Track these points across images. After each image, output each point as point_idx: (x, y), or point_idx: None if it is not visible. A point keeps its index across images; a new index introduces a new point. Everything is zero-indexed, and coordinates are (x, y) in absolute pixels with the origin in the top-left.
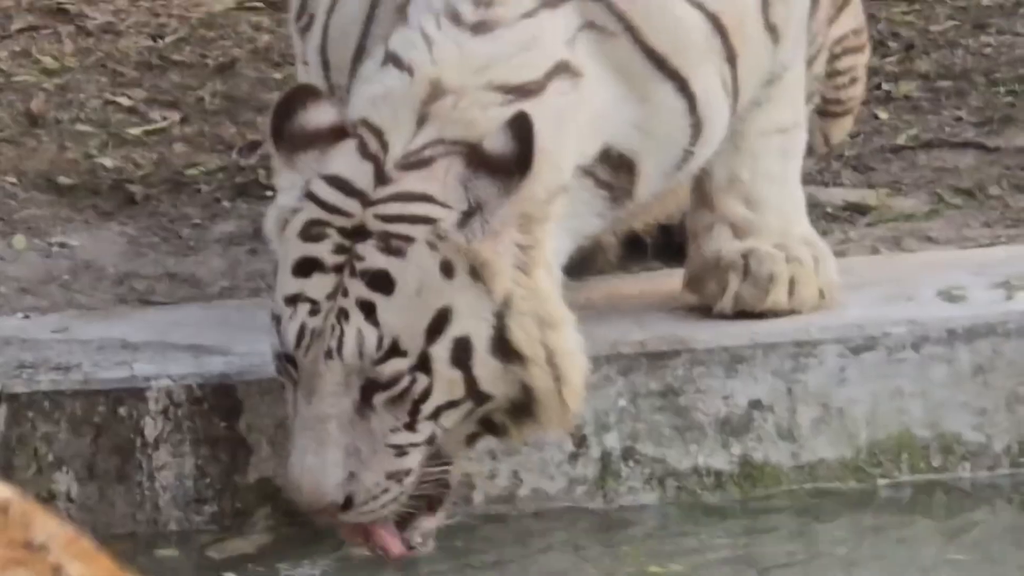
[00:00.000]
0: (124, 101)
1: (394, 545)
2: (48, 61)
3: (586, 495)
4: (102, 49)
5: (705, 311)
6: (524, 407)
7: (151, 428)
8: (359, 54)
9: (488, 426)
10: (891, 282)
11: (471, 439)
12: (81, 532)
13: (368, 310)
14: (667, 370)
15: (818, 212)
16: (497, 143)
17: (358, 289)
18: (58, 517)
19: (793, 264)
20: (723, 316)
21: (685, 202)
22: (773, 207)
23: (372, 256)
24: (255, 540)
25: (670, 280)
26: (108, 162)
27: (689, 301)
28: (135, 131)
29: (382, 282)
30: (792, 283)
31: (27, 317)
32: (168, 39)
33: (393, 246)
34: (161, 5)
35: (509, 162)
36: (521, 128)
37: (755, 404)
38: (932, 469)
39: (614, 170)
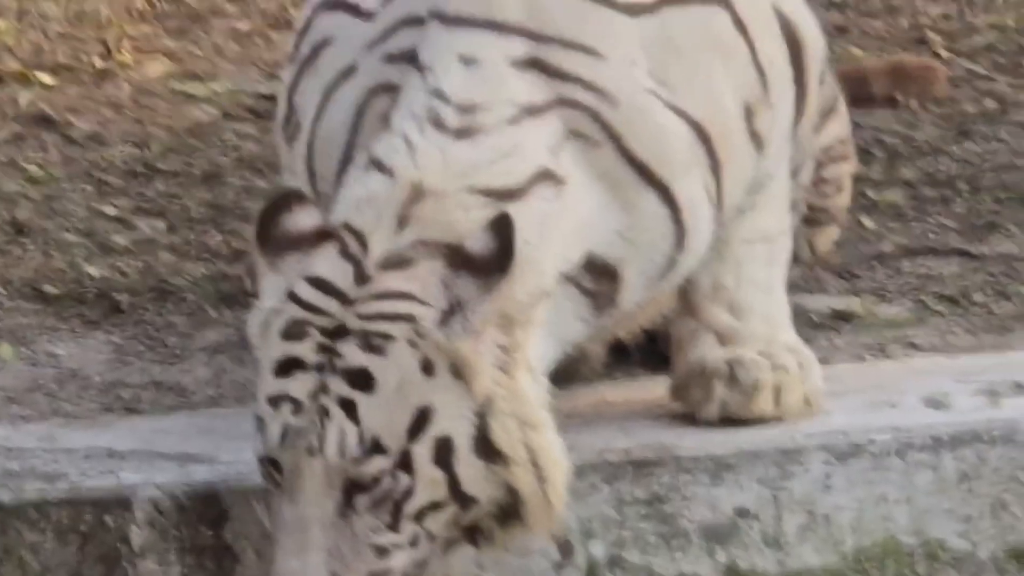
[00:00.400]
0: (110, 210)
1: None
2: (34, 170)
3: None
4: (88, 158)
5: (691, 418)
6: (510, 509)
7: (137, 537)
8: (344, 163)
9: (475, 533)
10: (876, 389)
11: (450, 547)
12: None
13: (349, 408)
14: (653, 478)
15: (803, 319)
16: (478, 243)
17: (339, 387)
18: None
19: (778, 371)
20: (709, 423)
21: (669, 308)
22: (758, 314)
23: (352, 354)
24: None
25: (655, 387)
26: (94, 271)
27: (675, 408)
28: (121, 240)
29: (362, 380)
30: (777, 390)
31: (13, 426)
32: (154, 148)
33: (373, 344)
34: (147, 114)
35: (490, 261)
36: (502, 228)
37: (741, 512)
38: (916, 572)
39: (598, 277)
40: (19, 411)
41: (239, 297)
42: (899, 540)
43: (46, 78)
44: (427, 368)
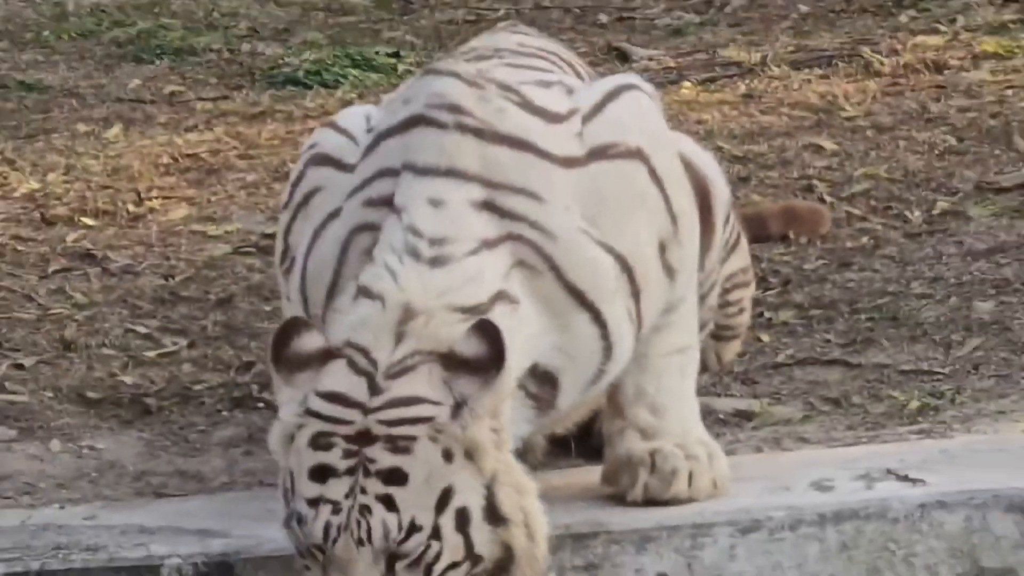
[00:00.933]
0: (141, 329)
1: None
2: (79, 297)
3: None
4: (123, 287)
5: (620, 499)
6: (503, 566)
7: None
8: (332, 291)
9: None
10: (772, 476)
11: None
12: None
13: (388, 502)
14: (588, 549)
15: (712, 418)
16: (469, 347)
17: (375, 487)
18: None
19: (691, 460)
20: (635, 503)
21: (601, 404)
22: (674, 414)
23: (382, 457)
24: None
25: (591, 474)
26: (128, 379)
27: (606, 491)
28: (150, 354)
29: (396, 477)
30: (691, 476)
31: (62, 507)
32: (177, 278)
33: (400, 446)
34: (171, 251)
35: (486, 360)
36: (488, 331)
37: None
38: None
39: (540, 383)
40: (67, 495)
41: (248, 401)
42: None
43: (89, 221)
44: (447, 456)
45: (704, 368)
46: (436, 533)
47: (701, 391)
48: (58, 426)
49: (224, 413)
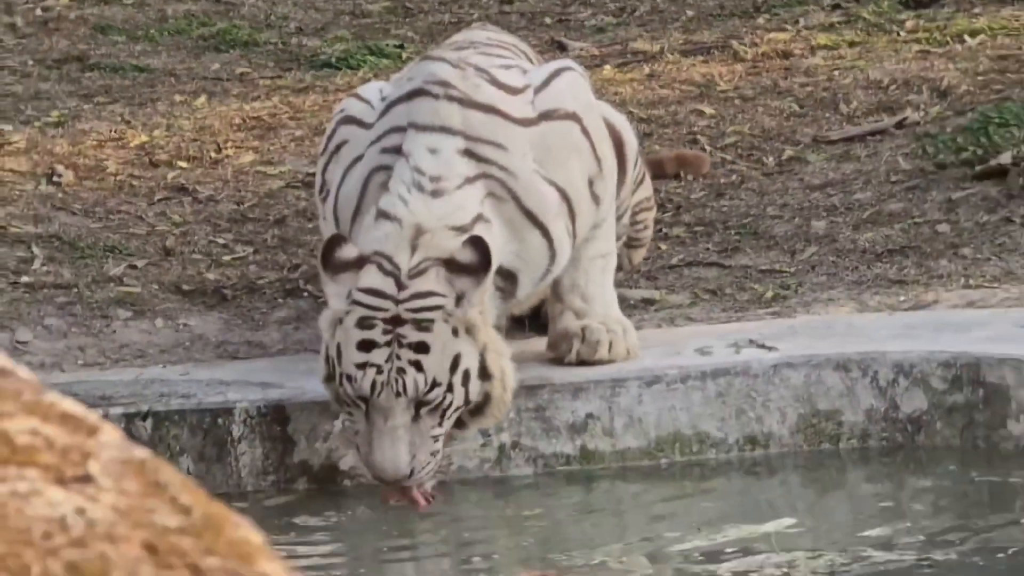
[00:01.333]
0: (220, 241)
1: (422, 500)
2: (176, 217)
3: (490, 469)
4: (207, 211)
5: (559, 362)
6: (481, 408)
7: (236, 431)
8: (356, 214)
9: (459, 422)
10: (668, 345)
11: (454, 429)
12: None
13: (417, 367)
14: (538, 396)
15: (625, 303)
16: (465, 255)
17: (407, 355)
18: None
19: (611, 334)
20: (570, 364)
21: (547, 294)
22: (598, 300)
23: (411, 334)
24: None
25: (539, 344)
26: (211, 276)
27: (550, 356)
28: (227, 258)
29: (422, 348)
30: (611, 345)
31: (164, 367)
32: (246, 204)
33: (423, 325)
34: (241, 185)
35: (477, 265)
36: (479, 244)
37: (590, 415)
38: (692, 453)
39: (504, 280)
40: (167, 358)
41: (296, 291)
42: (682, 432)
43: (183, 164)
44: (455, 332)
45: (620, 268)
46: (450, 387)
47: (618, 284)
48: (161, 309)
49: (279, 300)
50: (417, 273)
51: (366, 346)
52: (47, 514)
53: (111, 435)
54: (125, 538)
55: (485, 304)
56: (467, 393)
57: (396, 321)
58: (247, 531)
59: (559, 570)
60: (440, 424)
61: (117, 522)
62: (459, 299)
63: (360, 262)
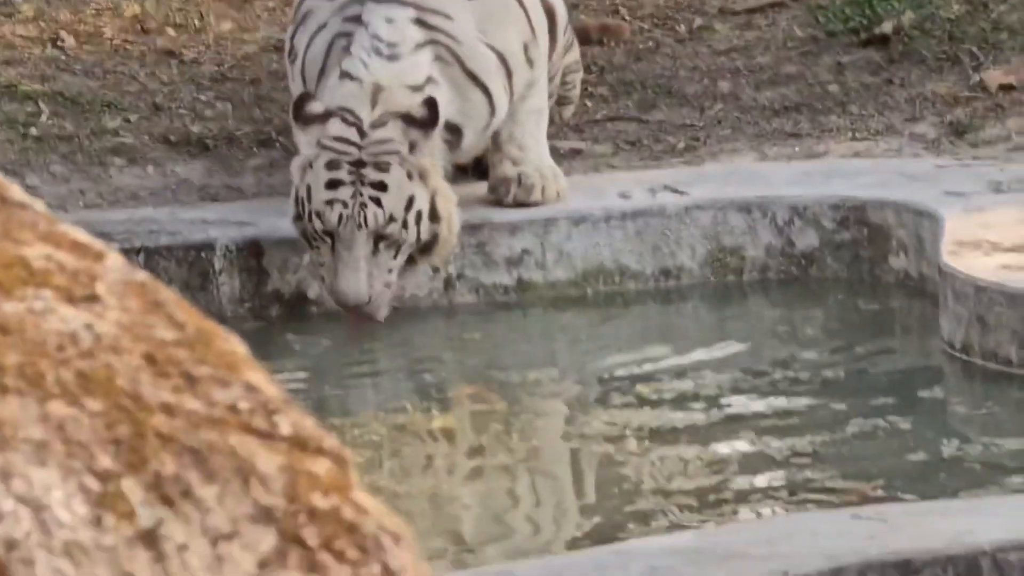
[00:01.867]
0: (203, 97)
1: (379, 319)
2: (164, 78)
3: (438, 298)
4: (192, 71)
5: (498, 203)
6: (429, 247)
7: (217, 263)
8: (320, 74)
9: (409, 259)
10: (593, 189)
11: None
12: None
13: (377, 202)
14: (480, 233)
15: (556, 153)
16: (420, 111)
17: (369, 192)
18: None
19: (543, 179)
20: (508, 206)
21: (487, 145)
22: (532, 150)
23: (372, 174)
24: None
25: (480, 188)
26: (195, 128)
27: (490, 199)
28: (209, 112)
29: (381, 186)
30: (543, 189)
31: (154, 208)
32: (226, 66)
33: (382, 166)
34: (222, 49)
35: (428, 120)
36: (431, 104)
37: (525, 251)
38: (615, 284)
39: (451, 133)
40: (156, 201)
41: (269, 142)
42: (605, 265)
43: (171, 31)
44: (410, 175)
45: (551, 122)
46: (404, 224)
47: (550, 136)
48: (152, 157)
49: (255, 150)
50: (378, 124)
51: (333, 185)
52: (60, 328)
53: (115, 260)
54: (128, 350)
55: (435, 156)
56: (419, 231)
57: (359, 164)
58: (234, 344)
59: (499, 386)
60: (395, 258)
61: (120, 336)
62: (412, 147)
63: (326, 116)
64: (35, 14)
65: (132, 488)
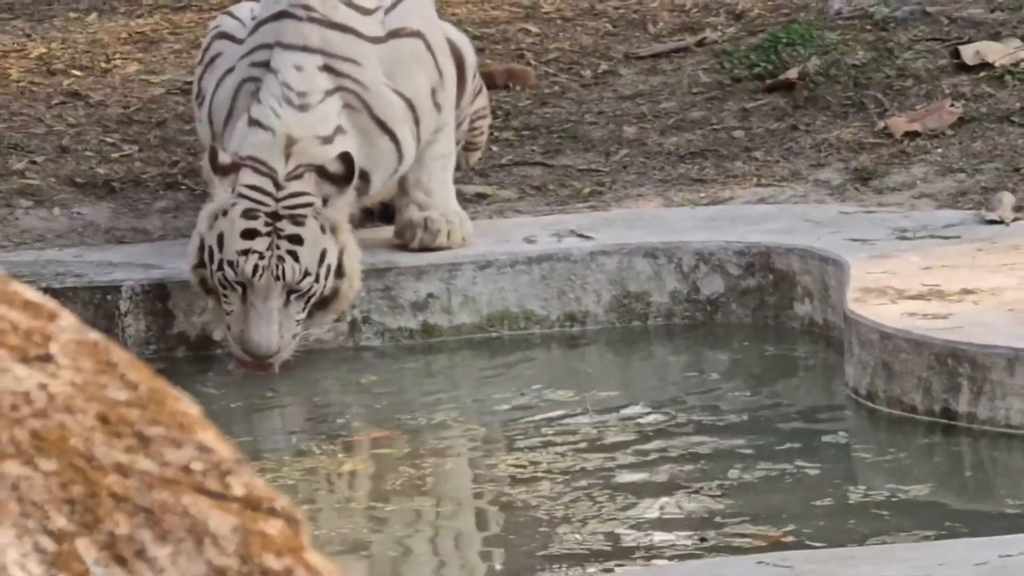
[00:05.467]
0: (109, 140)
1: (276, 370)
2: (70, 120)
3: (344, 341)
4: (98, 114)
5: (404, 248)
6: (327, 302)
7: (123, 305)
8: (228, 118)
9: (311, 313)
10: (498, 232)
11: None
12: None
13: (294, 256)
14: (385, 278)
15: (462, 197)
16: (335, 166)
17: (286, 245)
18: None
19: (449, 224)
20: (414, 251)
21: (394, 190)
22: (439, 195)
23: (288, 227)
24: None
25: (387, 232)
26: (102, 171)
27: (396, 243)
28: (115, 155)
29: (298, 240)
30: (449, 233)
31: (60, 250)
32: (132, 108)
33: (298, 220)
34: (128, 92)
35: (343, 177)
36: (347, 159)
37: (430, 295)
38: (520, 329)
39: (359, 180)
40: (63, 243)
41: (176, 185)
42: (510, 310)
43: (77, 73)
44: (323, 229)
45: (458, 167)
46: (316, 278)
47: (456, 181)
48: (58, 199)
49: (161, 192)
50: (294, 176)
51: (250, 235)
52: (14, 388)
53: (68, 320)
54: (81, 409)
55: (346, 210)
56: (324, 287)
57: (275, 216)
58: (186, 404)
59: (405, 428)
60: (303, 310)
61: (74, 395)
62: (325, 202)
63: (236, 166)
64: None
65: (86, 548)
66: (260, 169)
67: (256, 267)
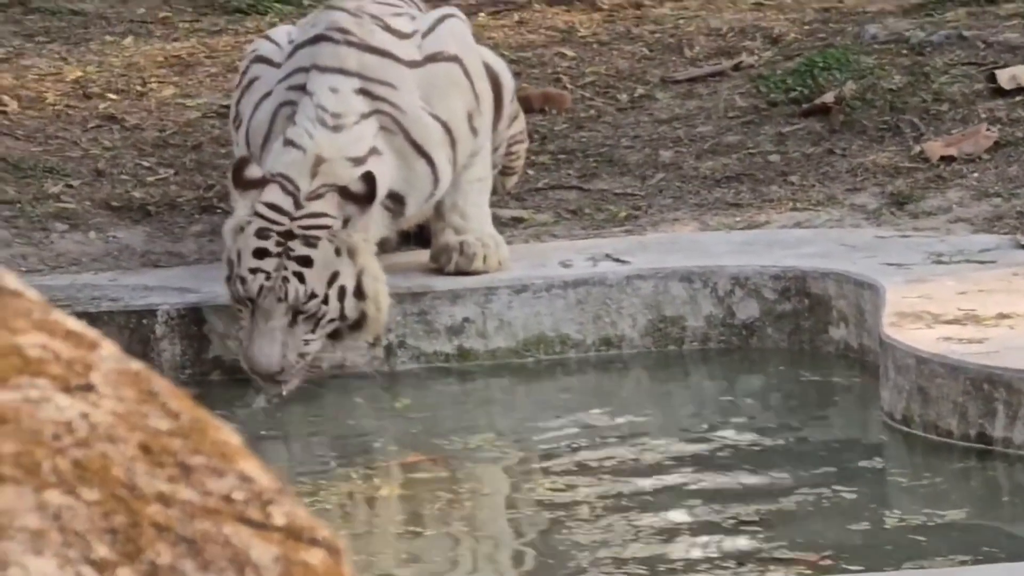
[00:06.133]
0: (145, 163)
1: (290, 388)
2: (106, 143)
3: (380, 365)
4: (134, 137)
5: (440, 272)
6: (358, 324)
7: (159, 330)
8: (265, 141)
9: (336, 334)
10: (534, 258)
11: (333, 340)
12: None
13: (299, 278)
14: (421, 301)
15: (497, 222)
16: (357, 186)
17: (293, 266)
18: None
19: (485, 247)
20: (449, 274)
21: (431, 213)
22: (475, 219)
23: (299, 248)
24: None
25: (423, 256)
26: (137, 194)
27: (432, 267)
28: (151, 179)
29: (306, 261)
30: (485, 257)
31: (95, 274)
32: (168, 132)
33: (310, 241)
34: (164, 115)
35: (365, 197)
36: (369, 179)
37: (466, 319)
38: (555, 353)
39: (394, 202)
40: (98, 266)
41: (211, 208)
42: (546, 334)
43: (113, 96)
44: (338, 252)
45: (494, 192)
46: (325, 300)
47: (492, 205)
48: (93, 223)
49: (196, 216)
50: (315, 196)
51: (260, 254)
52: (55, 418)
53: (109, 349)
54: (123, 439)
55: (370, 233)
56: (342, 308)
57: (288, 235)
58: (227, 433)
59: (441, 453)
60: (313, 331)
61: (116, 425)
62: (345, 222)
63: (264, 181)
64: None
65: None
66: (286, 187)
67: (261, 287)
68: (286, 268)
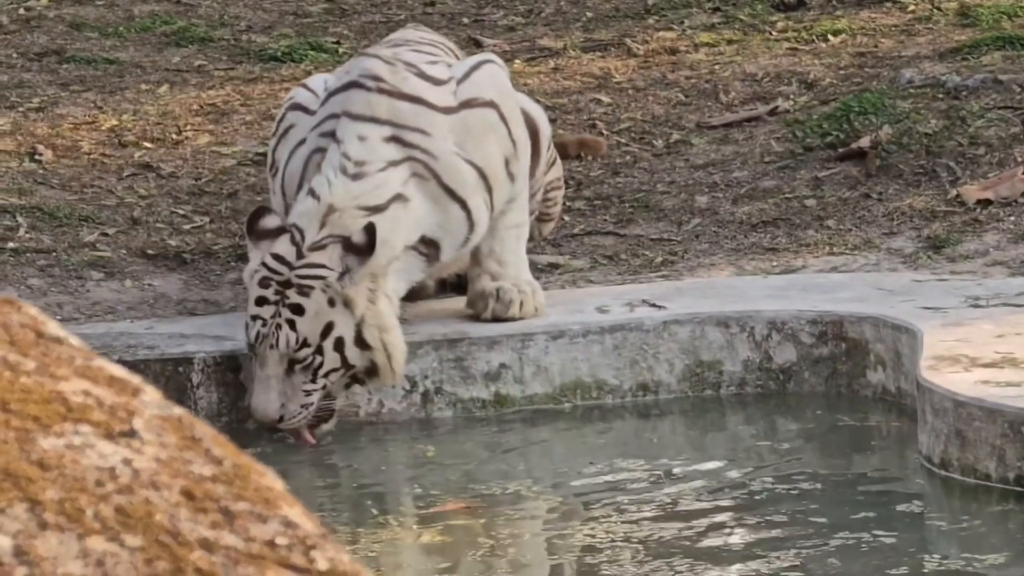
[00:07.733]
0: (180, 211)
1: (309, 439)
2: (142, 191)
3: (416, 412)
4: (169, 185)
5: (477, 318)
6: (371, 371)
7: (195, 377)
8: (299, 189)
9: (355, 380)
10: (571, 303)
11: (347, 387)
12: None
13: (291, 325)
14: (458, 348)
15: (535, 268)
16: (359, 237)
17: (286, 314)
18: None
19: (522, 294)
20: (486, 321)
21: (467, 260)
22: (511, 265)
23: (293, 296)
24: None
25: (459, 303)
26: (173, 242)
27: (468, 313)
28: (187, 227)
29: (298, 310)
30: (521, 303)
31: (131, 322)
32: (203, 180)
33: (304, 290)
34: (199, 163)
35: (365, 248)
36: (370, 230)
37: (503, 365)
38: (592, 398)
39: (428, 247)
40: (134, 314)
41: (246, 256)
42: (583, 380)
43: (148, 144)
44: (332, 303)
45: (531, 238)
46: (319, 350)
47: (529, 251)
48: (129, 271)
49: (232, 263)
50: (317, 247)
51: (260, 302)
52: (99, 464)
53: (152, 395)
54: (166, 485)
55: (379, 282)
56: (343, 358)
57: (286, 284)
58: (271, 479)
59: (479, 499)
60: (313, 381)
61: (159, 471)
62: (343, 275)
63: (279, 231)
64: (12, 127)
65: None
66: (295, 237)
67: (258, 334)
68: (279, 316)
